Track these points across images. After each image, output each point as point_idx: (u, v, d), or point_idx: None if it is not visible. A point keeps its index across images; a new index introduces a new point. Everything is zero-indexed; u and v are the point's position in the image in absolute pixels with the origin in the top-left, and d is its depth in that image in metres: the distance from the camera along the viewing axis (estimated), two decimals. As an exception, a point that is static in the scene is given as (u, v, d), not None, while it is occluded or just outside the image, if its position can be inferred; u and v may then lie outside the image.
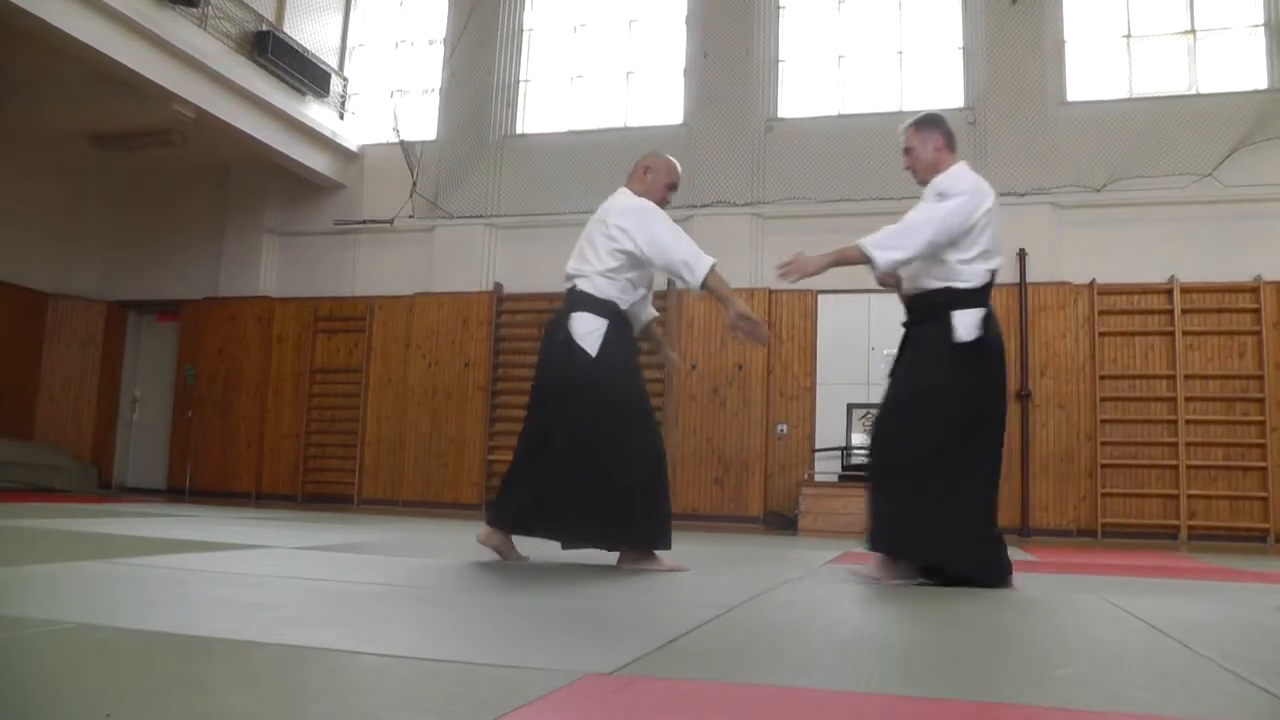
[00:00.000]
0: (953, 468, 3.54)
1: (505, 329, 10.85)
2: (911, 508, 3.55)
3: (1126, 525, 9.04)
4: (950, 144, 3.92)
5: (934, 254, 3.66)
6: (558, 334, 3.84)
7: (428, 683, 1.57)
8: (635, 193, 3.97)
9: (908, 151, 3.92)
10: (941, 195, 3.70)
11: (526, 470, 3.83)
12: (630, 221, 3.81)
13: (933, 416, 3.59)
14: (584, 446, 3.71)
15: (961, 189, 3.69)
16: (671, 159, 4.12)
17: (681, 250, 3.77)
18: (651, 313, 4.13)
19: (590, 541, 3.80)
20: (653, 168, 4.05)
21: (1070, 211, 9.55)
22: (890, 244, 3.68)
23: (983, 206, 3.66)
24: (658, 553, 3.80)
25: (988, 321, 3.64)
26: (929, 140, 3.89)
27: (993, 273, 3.70)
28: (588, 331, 3.77)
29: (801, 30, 10.82)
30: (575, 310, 3.83)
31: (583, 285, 3.85)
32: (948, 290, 3.66)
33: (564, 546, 3.82)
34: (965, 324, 3.60)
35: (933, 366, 3.66)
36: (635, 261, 3.83)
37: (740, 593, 3.05)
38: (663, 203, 3.99)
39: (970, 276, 3.65)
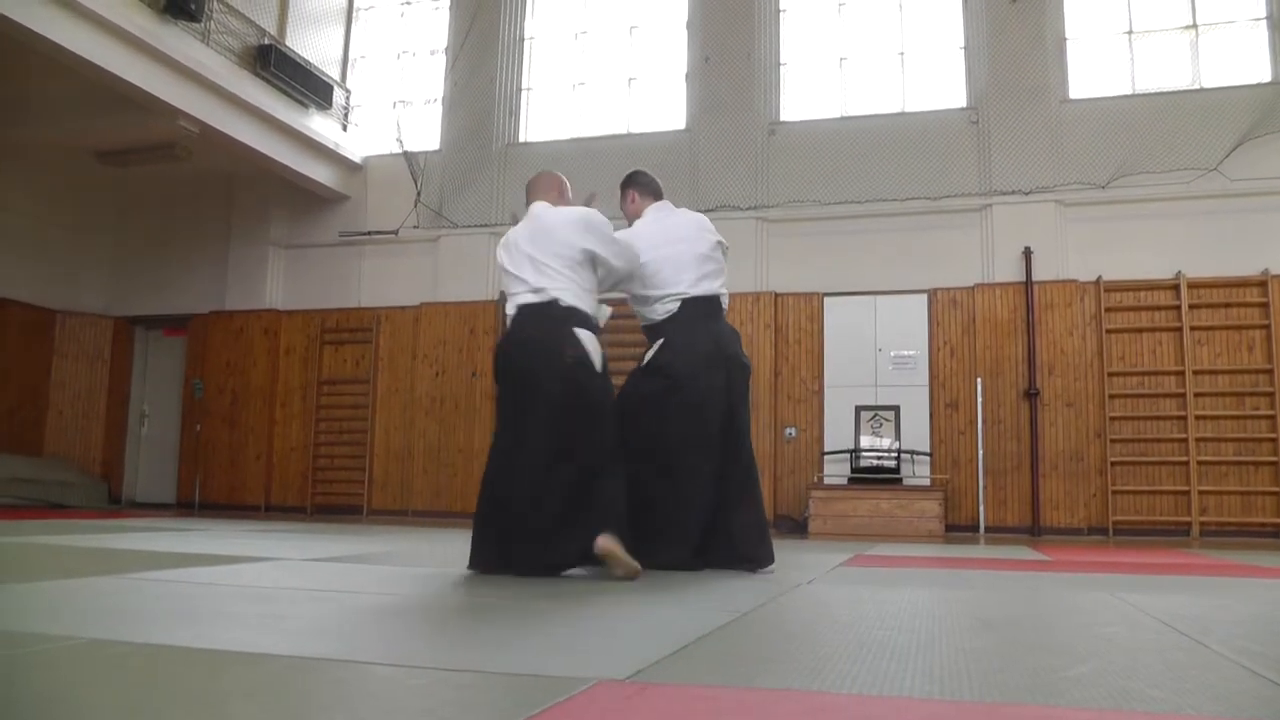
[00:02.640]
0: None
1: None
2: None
3: (1137, 523, 9.01)
4: (644, 194, 4.46)
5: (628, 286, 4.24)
6: (565, 351, 3.66)
7: (440, 692, 1.57)
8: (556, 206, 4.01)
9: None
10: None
11: (567, 503, 3.58)
12: (604, 235, 3.90)
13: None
14: (628, 468, 3.77)
15: (634, 233, 4.28)
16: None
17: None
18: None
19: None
20: (565, 183, 4.13)
21: (1075, 209, 9.54)
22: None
23: (645, 254, 4.14)
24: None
25: (662, 348, 4.18)
26: (624, 199, 4.48)
27: (673, 306, 4.18)
28: (594, 349, 3.74)
29: (802, 33, 10.82)
30: (577, 327, 3.72)
31: (570, 300, 3.75)
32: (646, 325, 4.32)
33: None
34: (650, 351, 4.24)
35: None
36: (596, 273, 3.93)
37: (752, 597, 3.04)
38: None
39: (651, 315, 4.25)
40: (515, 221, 4.03)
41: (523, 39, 11.68)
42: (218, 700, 1.48)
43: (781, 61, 10.75)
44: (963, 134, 9.89)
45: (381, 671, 1.73)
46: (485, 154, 11.24)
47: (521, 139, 11.44)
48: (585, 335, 3.74)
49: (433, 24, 12.10)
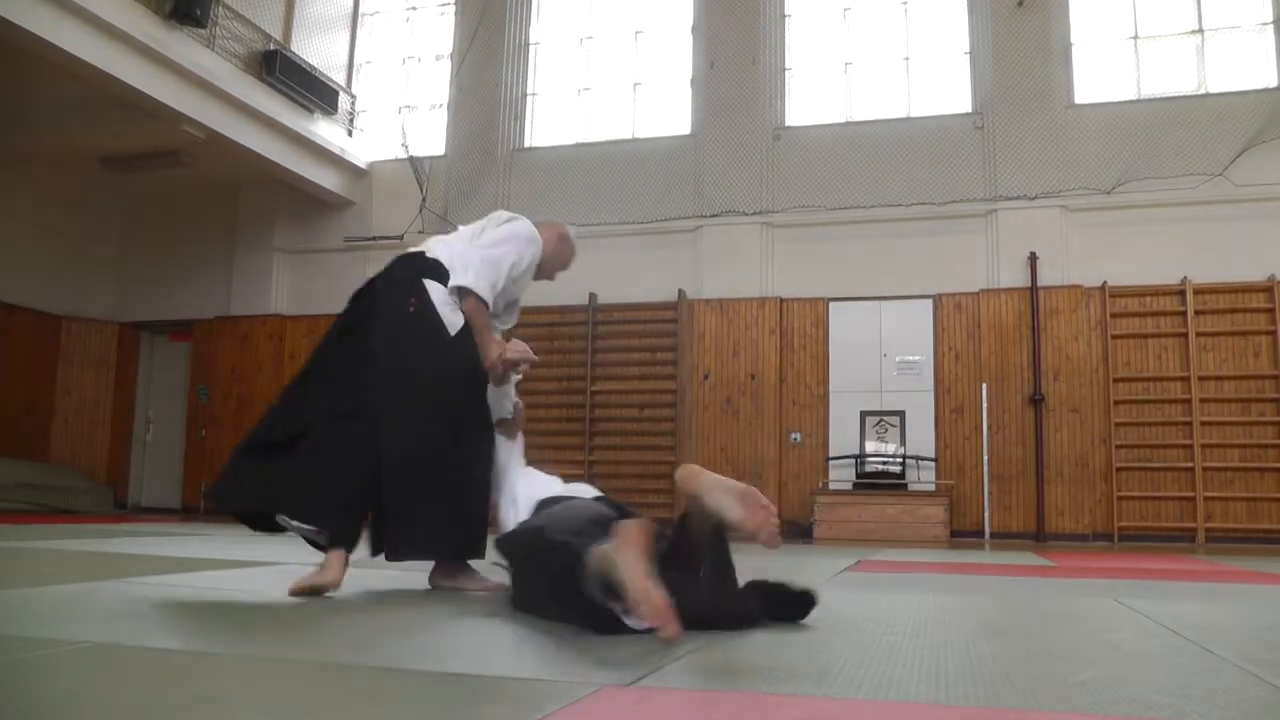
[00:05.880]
0: None
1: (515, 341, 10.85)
2: None
3: (1143, 528, 8.99)
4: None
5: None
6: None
7: (444, 697, 1.57)
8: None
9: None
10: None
11: None
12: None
13: None
14: None
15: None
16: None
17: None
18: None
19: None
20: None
21: (1080, 214, 9.53)
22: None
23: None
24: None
25: None
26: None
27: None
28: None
29: (808, 38, 10.83)
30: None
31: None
32: None
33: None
34: None
35: None
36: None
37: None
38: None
39: None
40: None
41: (528, 44, 11.70)
42: (223, 705, 1.48)
43: (786, 66, 10.76)
44: (968, 139, 9.89)
45: (385, 676, 1.72)
46: (490, 159, 11.26)
47: (526, 144, 11.45)
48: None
49: (438, 29, 12.13)
